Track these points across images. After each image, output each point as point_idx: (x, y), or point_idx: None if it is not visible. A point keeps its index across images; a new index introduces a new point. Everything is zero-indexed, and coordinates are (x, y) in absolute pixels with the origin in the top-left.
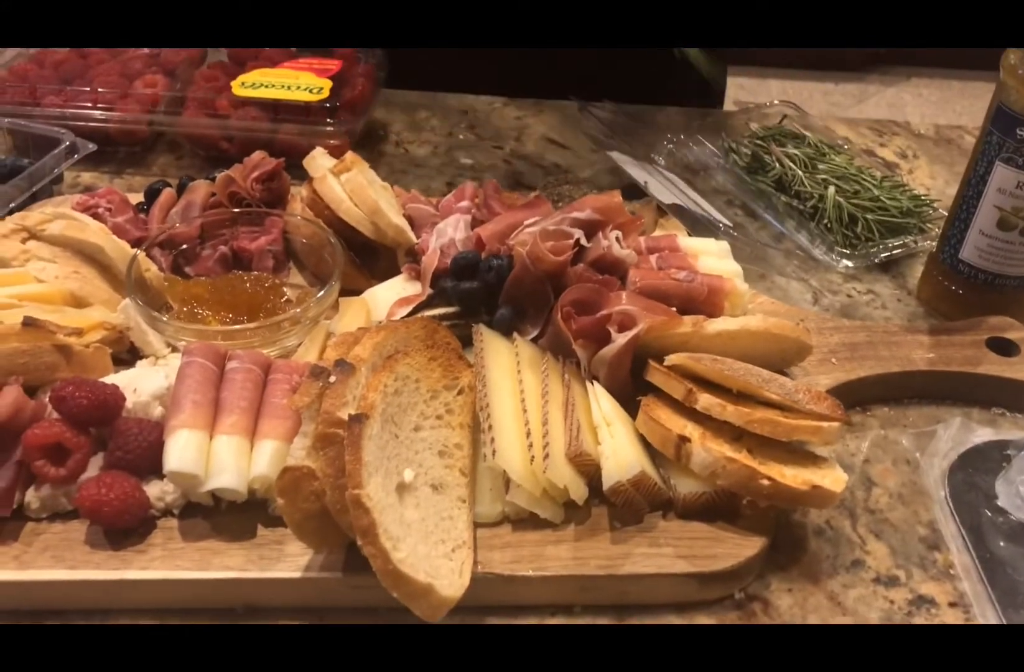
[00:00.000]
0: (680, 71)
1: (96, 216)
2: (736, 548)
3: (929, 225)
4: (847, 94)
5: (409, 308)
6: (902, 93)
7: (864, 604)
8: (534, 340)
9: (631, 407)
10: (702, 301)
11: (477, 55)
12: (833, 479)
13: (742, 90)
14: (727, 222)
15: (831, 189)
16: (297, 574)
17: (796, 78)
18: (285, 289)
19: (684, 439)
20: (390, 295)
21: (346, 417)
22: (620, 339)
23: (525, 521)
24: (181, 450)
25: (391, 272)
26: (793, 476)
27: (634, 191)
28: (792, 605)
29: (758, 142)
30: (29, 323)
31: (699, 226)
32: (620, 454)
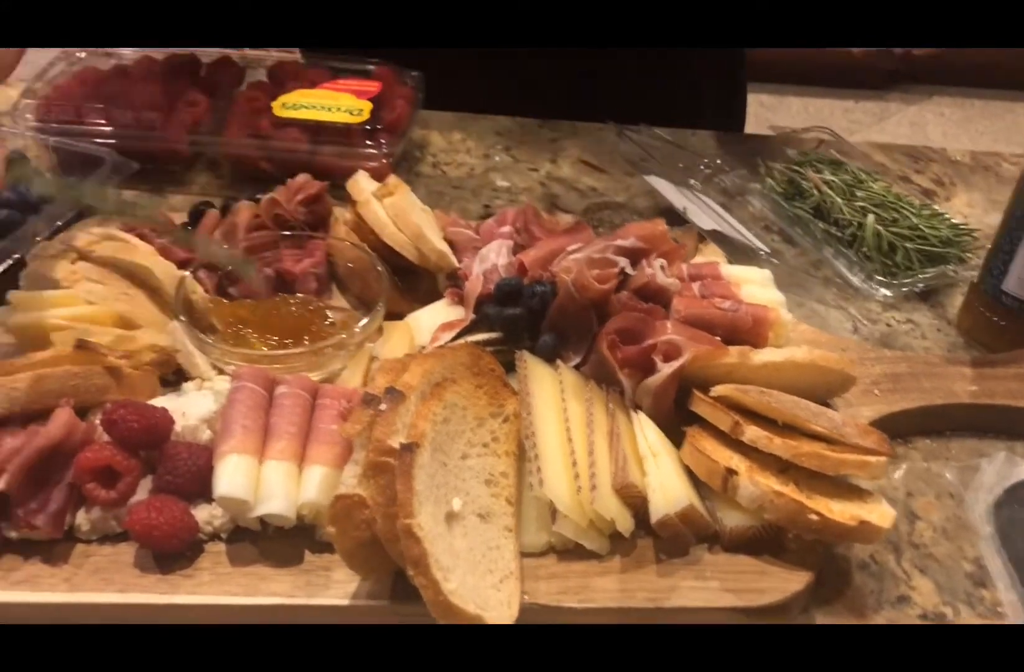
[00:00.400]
0: (699, 91)
1: (142, 237)
2: (783, 582)
3: (969, 255)
4: (868, 112)
5: (452, 333)
6: (923, 112)
7: None
8: (576, 367)
9: (673, 436)
10: (746, 331)
11: (512, 77)
12: (880, 514)
13: (762, 108)
14: (766, 248)
15: (870, 217)
16: (345, 601)
17: (816, 96)
18: (328, 312)
19: (732, 472)
20: (433, 319)
21: (397, 445)
22: (666, 369)
23: (570, 551)
24: (231, 475)
25: (431, 295)
26: (841, 511)
27: (671, 215)
28: None
29: (795, 168)
30: (82, 345)
31: (738, 252)
32: (667, 487)
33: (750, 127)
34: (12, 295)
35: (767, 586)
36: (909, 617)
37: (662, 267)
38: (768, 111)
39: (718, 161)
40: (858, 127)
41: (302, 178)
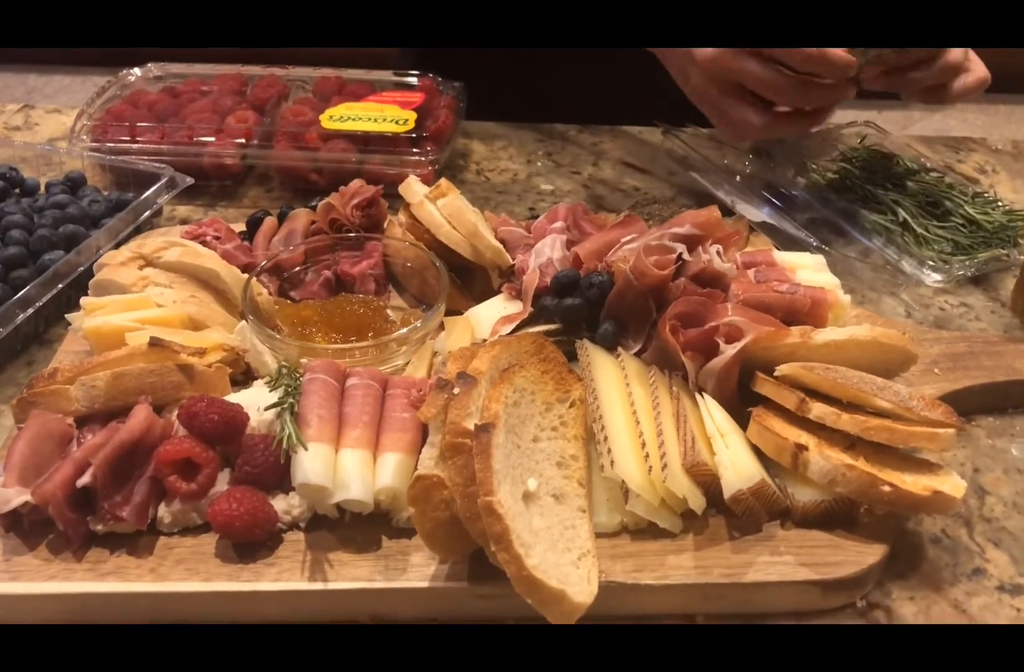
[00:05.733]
0: None
1: (205, 244)
2: (858, 555)
3: (1021, 240)
4: (891, 121)
5: (512, 326)
6: (947, 118)
7: (991, 612)
8: (636, 354)
9: (736, 418)
10: (805, 313)
11: (550, 84)
12: (952, 485)
13: None
14: (815, 238)
15: (919, 206)
16: (424, 584)
17: (839, 106)
18: (388, 311)
19: (801, 447)
20: (492, 314)
21: (472, 427)
22: (729, 350)
23: (644, 531)
24: (310, 463)
25: (484, 292)
26: (913, 482)
27: (720, 209)
28: (916, 613)
29: (841, 162)
30: (155, 343)
31: (788, 243)
32: (739, 464)
33: None
34: (84, 301)
35: (842, 559)
36: (987, 589)
37: (718, 253)
38: None
39: (762, 157)
40: None
41: (356, 183)
